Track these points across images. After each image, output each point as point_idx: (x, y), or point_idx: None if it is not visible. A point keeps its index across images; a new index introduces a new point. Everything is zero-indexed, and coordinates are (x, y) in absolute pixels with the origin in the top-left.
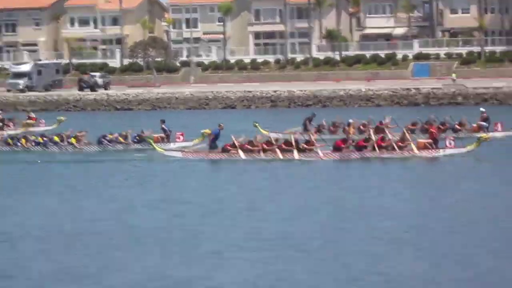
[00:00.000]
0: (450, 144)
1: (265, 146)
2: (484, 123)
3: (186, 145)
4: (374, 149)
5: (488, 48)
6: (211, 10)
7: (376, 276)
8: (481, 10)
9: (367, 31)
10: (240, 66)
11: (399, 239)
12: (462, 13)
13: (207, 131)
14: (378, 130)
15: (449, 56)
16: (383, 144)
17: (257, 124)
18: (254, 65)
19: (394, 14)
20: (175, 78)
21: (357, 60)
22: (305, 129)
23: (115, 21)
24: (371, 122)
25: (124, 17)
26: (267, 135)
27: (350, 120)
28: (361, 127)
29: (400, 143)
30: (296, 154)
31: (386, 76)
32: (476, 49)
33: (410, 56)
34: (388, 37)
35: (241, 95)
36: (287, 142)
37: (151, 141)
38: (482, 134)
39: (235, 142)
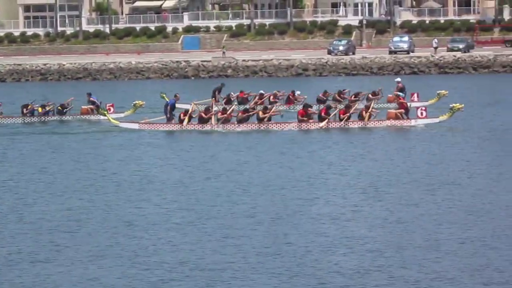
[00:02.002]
0: (422, 114)
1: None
2: (400, 93)
3: (117, 117)
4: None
5: (258, 21)
6: None
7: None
8: None
9: (137, 4)
10: (10, 39)
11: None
12: None
13: (140, 102)
14: (290, 101)
15: (218, 29)
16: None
17: (164, 95)
18: (24, 38)
19: None
20: None
21: (127, 33)
22: (215, 100)
23: None
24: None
25: None
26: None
27: (261, 91)
28: (272, 97)
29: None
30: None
31: (157, 49)
32: (246, 21)
33: (180, 29)
34: (158, 10)
35: (11, 68)
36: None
37: (105, 112)
38: (455, 104)
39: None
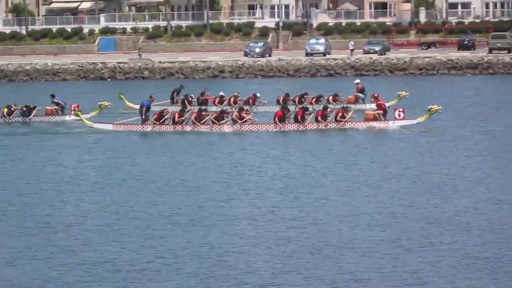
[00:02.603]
0: (399, 116)
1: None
2: (360, 94)
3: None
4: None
5: (174, 23)
6: None
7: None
8: None
9: (54, 5)
10: None
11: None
12: None
13: (105, 103)
14: (250, 103)
15: (135, 30)
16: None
17: (122, 96)
18: None
19: None
20: None
21: (44, 35)
22: (172, 101)
23: None
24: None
25: None
26: (133, 107)
27: (221, 93)
28: (233, 100)
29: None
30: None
31: (73, 50)
32: (162, 23)
33: (97, 31)
34: (74, 11)
35: None
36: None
37: (79, 113)
38: (433, 106)
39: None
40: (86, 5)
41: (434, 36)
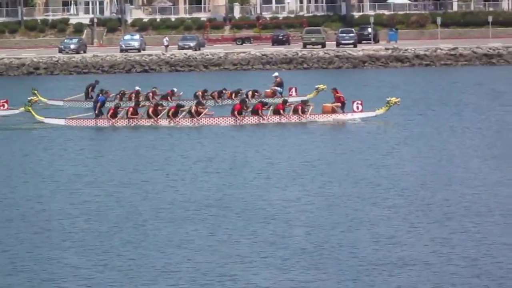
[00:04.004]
0: (357, 108)
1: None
2: (278, 88)
3: (10, 113)
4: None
5: None
6: None
7: None
8: None
9: None
10: None
11: None
12: None
13: (35, 98)
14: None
15: None
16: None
17: (35, 91)
18: None
19: None
20: None
21: None
22: (87, 97)
23: None
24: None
25: None
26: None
27: (137, 88)
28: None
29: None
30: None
31: None
32: None
33: None
34: None
35: None
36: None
37: (30, 108)
38: (392, 98)
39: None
40: None
41: (248, 31)
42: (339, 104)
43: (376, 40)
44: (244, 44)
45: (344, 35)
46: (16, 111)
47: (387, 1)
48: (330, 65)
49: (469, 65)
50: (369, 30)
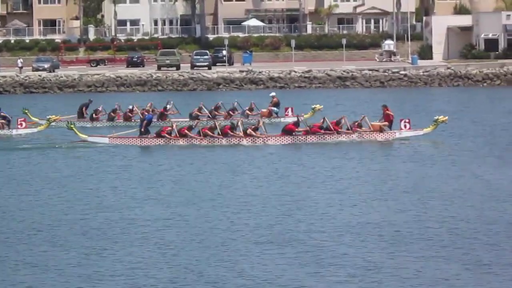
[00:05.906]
0: (405, 126)
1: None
2: (274, 108)
3: (30, 132)
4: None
5: None
6: None
7: None
8: None
9: None
10: None
11: None
12: None
13: (54, 117)
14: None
15: None
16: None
17: (26, 111)
18: None
19: None
20: None
21: None
22: (80, 116)
23: None
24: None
25: None
26: (38, 121)
27: (130, 107)
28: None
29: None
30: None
31: None
32: None
33: None
34: None
35: None
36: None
37: (73, 126)
38: (439, 116)
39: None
40: None
41: (103, 53)
42: (387, 123)
43: (230, 63)
44: (98, 66)
45: (199, 57)
46: (35, 130)
47: (242, 23)
48: (185, 87)
49: (323, 87)
50: (224, 52)
